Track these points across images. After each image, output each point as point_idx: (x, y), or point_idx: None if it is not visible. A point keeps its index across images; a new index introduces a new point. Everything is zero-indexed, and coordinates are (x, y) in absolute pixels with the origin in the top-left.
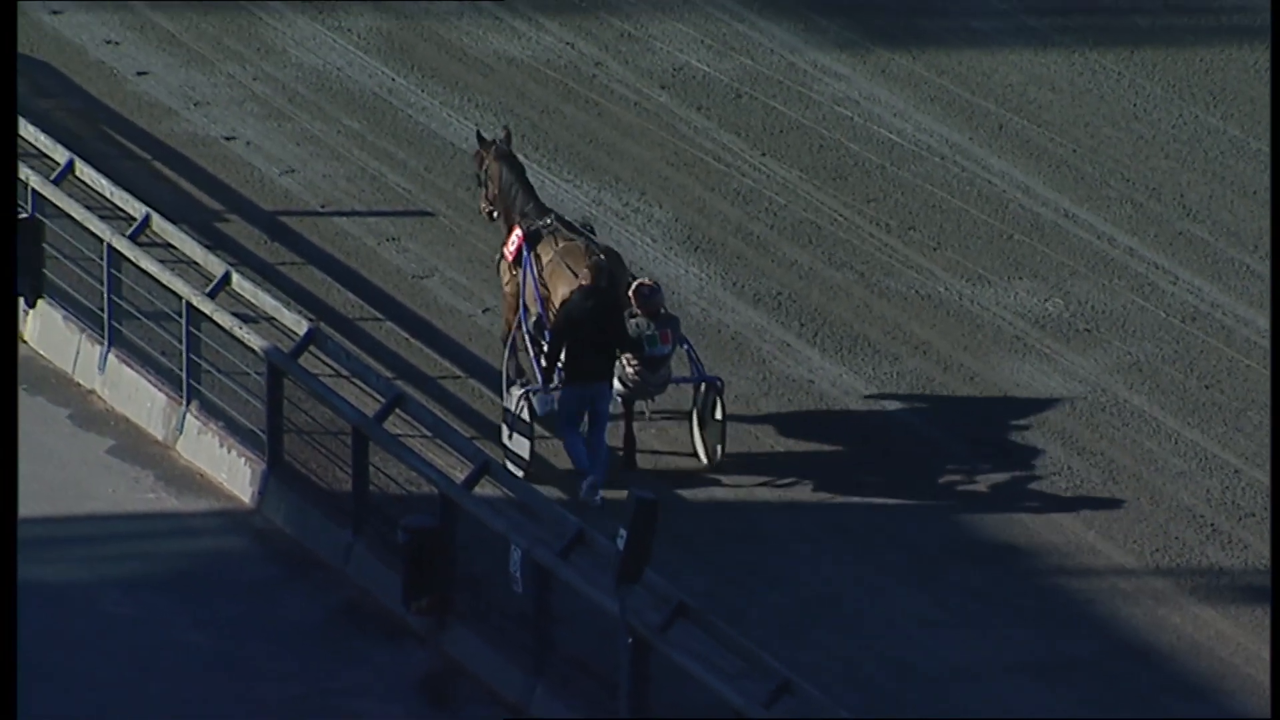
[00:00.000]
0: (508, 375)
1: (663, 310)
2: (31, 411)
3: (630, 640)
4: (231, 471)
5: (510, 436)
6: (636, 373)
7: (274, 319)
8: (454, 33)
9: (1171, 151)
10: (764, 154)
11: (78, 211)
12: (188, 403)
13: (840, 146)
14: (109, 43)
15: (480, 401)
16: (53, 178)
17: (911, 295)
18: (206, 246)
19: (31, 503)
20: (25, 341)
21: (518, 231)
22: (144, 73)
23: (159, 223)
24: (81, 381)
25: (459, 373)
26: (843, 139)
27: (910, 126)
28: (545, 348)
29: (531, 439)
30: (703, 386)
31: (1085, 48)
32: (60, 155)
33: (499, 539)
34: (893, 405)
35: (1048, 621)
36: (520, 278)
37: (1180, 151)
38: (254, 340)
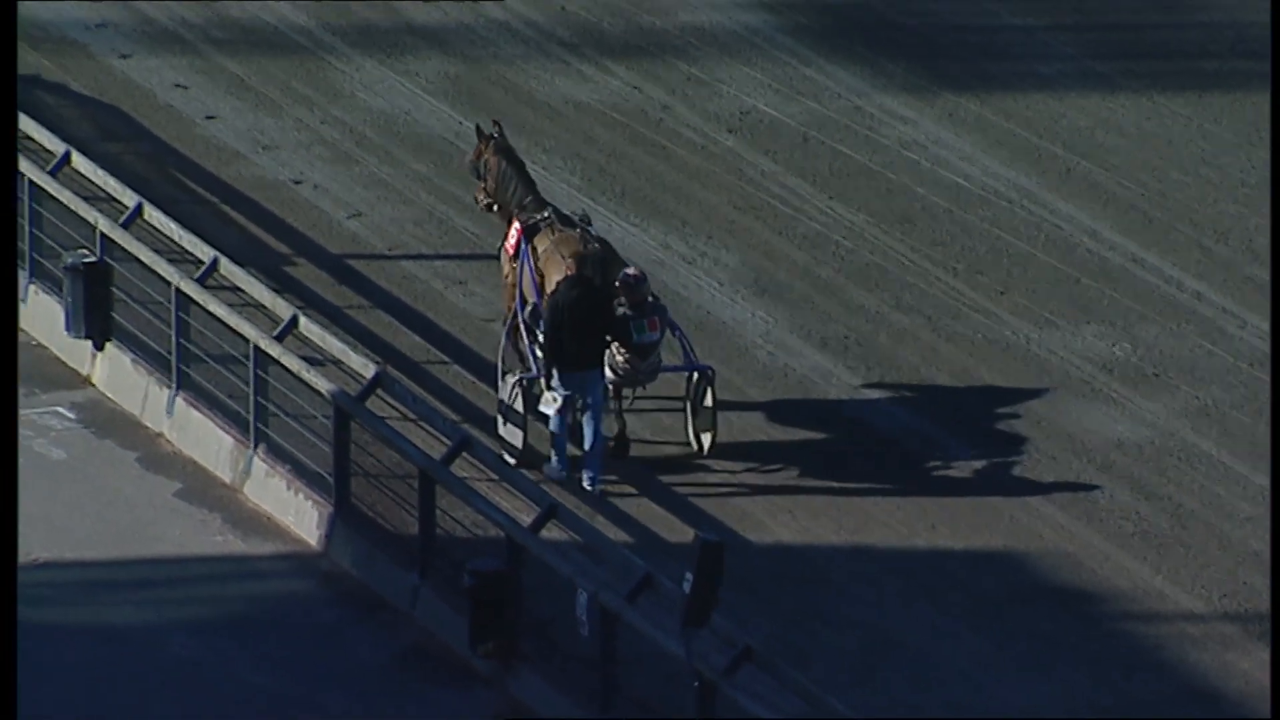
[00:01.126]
0: (503, 363)
1: (651, 298)
2: (100, 454)
3: (697, 684)
4: (298, 514)
5: (504, 425)
6: (626, 360)
7: (341, 362)
8: (521, 76)
9: (1239, 196)
10: (831, 198)
11: (146, 255)
12: (255, 446)
13: (907, 190)
14: (178, 87)
15: (546, 445)
16: (121, 221)
17: (979, 339)
18: (274, 290)
19: (99, 545)
20: (93, 384)
21: (516, 224)
22: (212, 117)
23: (227, 266)
24: (150, 424)
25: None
26: (910, 183)
27: (977, 170)
28: (539, 337)
29: (524, 428)
30: (694, 375)
31: (1153, 92)
32: (129, 199)
33: (565, 582)
34: (960, 449)
35: (1113, 666)
36: (518, 269)
37: (1248, 196)
38: (321, 383)
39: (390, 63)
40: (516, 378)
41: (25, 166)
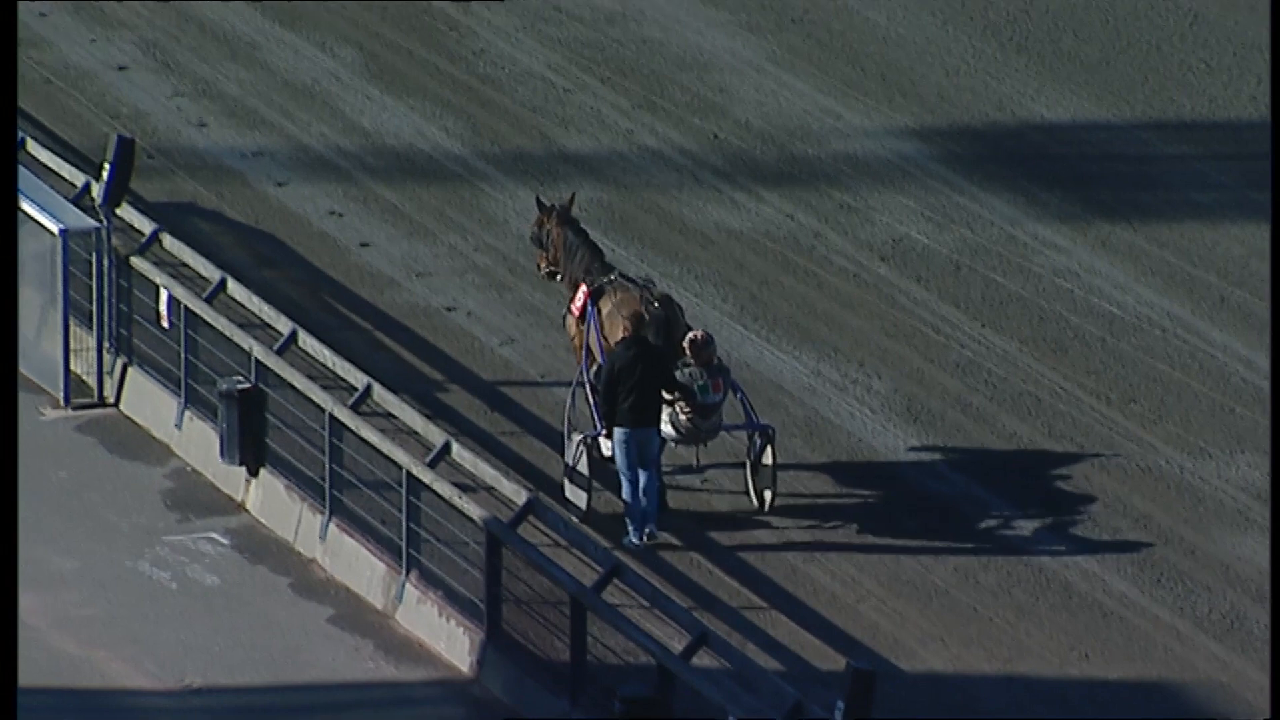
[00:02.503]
0: (568, 425)
1: (715, 360)
2: (253, 580)
3: None
4: (450, 641)
5: (569, 486)
6: (689, 419)
7: (493, 489)
8: (674, 204)
9: None
10: (984, 326)
11: (300, 381)
12: (407, 572)
13: (1060, 319)
14: (332, 214)
15: (698, 571)
16: (275, 348)
17: (1132, 468)
18: (426, 416)
19: (252, 671)
20: (247, 510)
21: (583, 288)
22: (366, 244)
23: (380, 392)
24: (302, 550)
25: (677, 543)
26: (1063, 311)
27: (1131, 299)
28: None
29: (589, 490)
30: (755, 433)
31: None
32: (283, 325)
33: (717, 709)
34: (1114, 579)
35: None
36: (585, 331)
37: None
38: (473, 510)
39: (543, 190)
40: (581, 437)
41: (181, 293)
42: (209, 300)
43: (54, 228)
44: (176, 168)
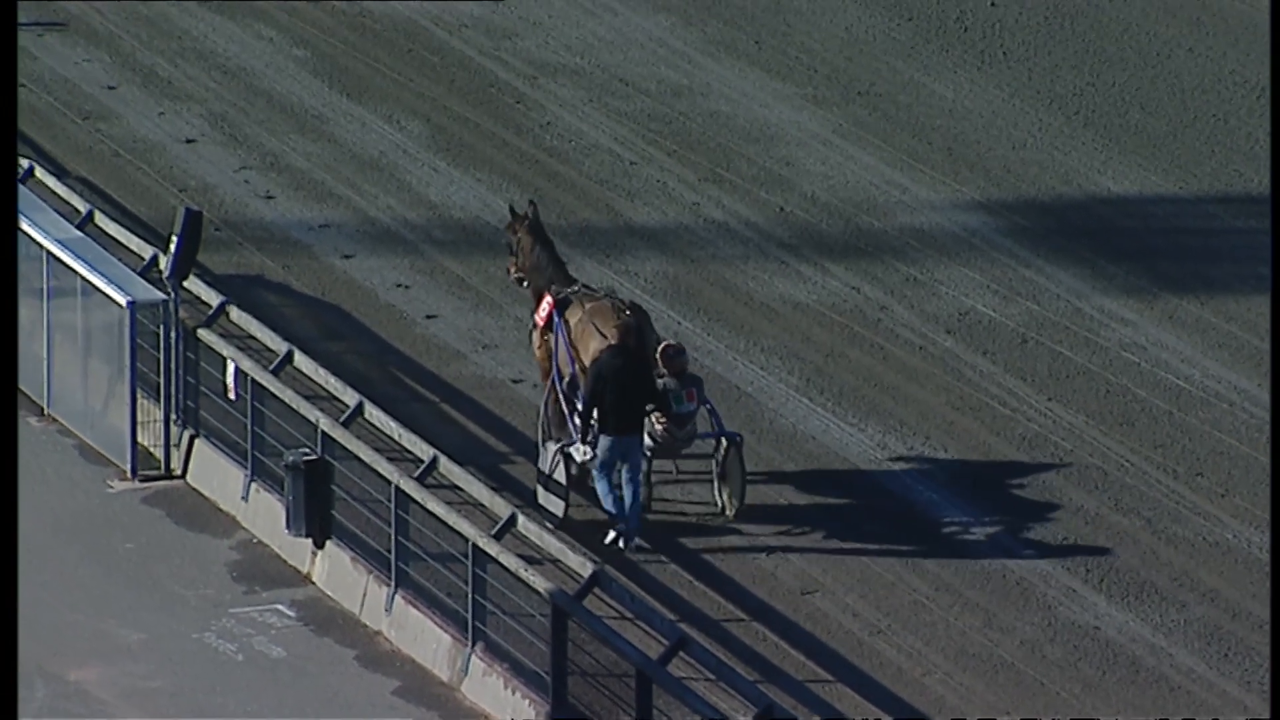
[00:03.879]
0: (542, 434)
1: (687, 371)
2: (319, 652)
3: None
4: (516, 713)
5: (544, 494)
6: (665, 429)
7: (559, 561)
8: (740, 277)
9: None
10: (1050, 399)
11: (366, 453)
12: (473, 644)
13: (1127, 392)
14: (399, 286)
15: (764, 644)
16: (342, 420)
17: (1199, 542)
18: (493, 488)
19: None
20: (313, 582)
21: (548, 299)
22: (433, 316)
23: (446, 465)
24: (368, 622)
25: (742, 615)
26: (1130, 385)
27: (1198, 373)
28: (579, 405)
29: (566, 499)
30: (723, 441)
31: None
32: (349, 398)
33: None
34: (1181, 653)
35: None
36: (552, 342)
37: None
38: (539, 582)
39: (610, 262)
40: (557, 447)
41: (248, 365)
42: (275, 372)
43: (122, 300)
44: (244, 240)
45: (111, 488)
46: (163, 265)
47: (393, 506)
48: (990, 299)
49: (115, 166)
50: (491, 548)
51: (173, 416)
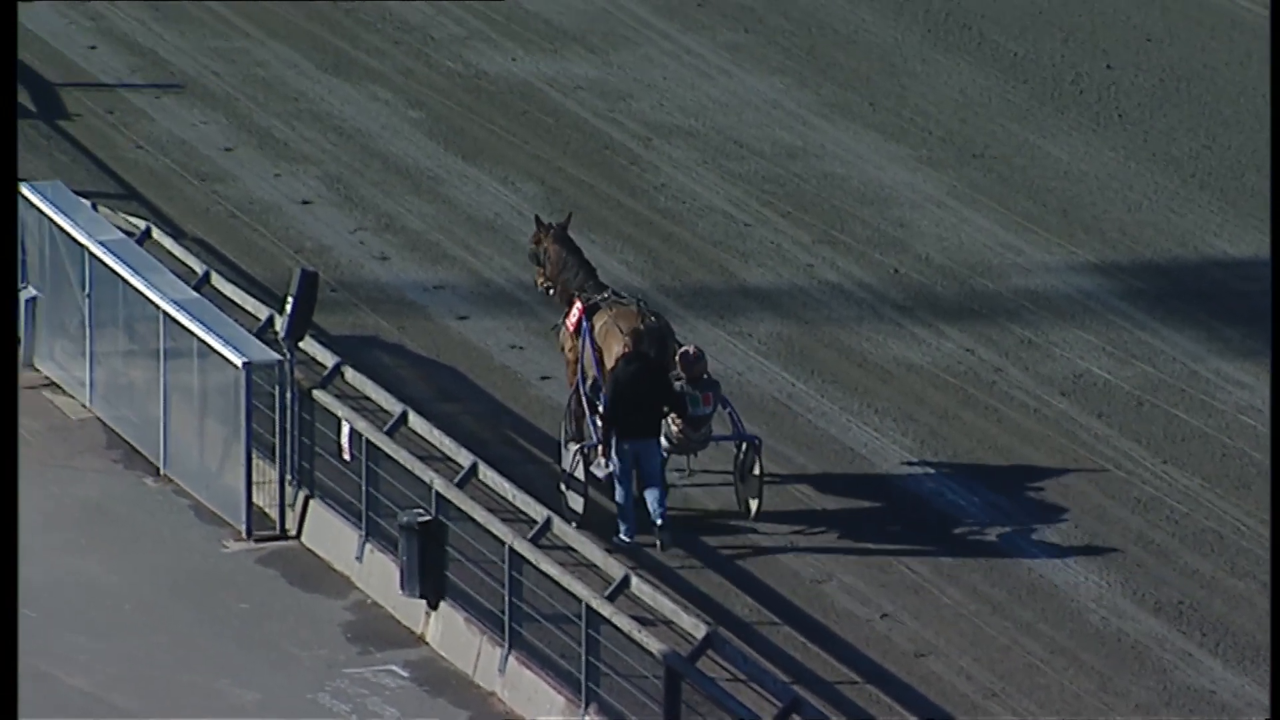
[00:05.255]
0: (566, 435)
1: (705, 375)
2: (433, 713)
3: None
4: None
5: (566, 492)
6: (681, 431)
7: (672, 622)
8: (854, 338)
9: None
10: (1165, 462)
11: (480, 514)
12: (586, 705)
13: (1244, 455)
14: (514, 348)
15: (877, 706)
16: (456, 481)
17: None
18: (606, 550)
19: None
20: (427, 643)
21: (578, 304)
22: (547, 377)
23: (560, 526)
24: (482, 683)
25: (856, 678)
26: (1246, 448)
27: None
28: (600, 409)
29: (585, 495)
30: (743, 444)
31: None
32: (464, 459)
33: None
34: None
35: None
36: (580, 346)
37: None
38: (652, 643)
39: (723, 324)
40: (578, 447)
41: (363, 426)
42: (390, 433)
43: (238, 361)
44: (359, 301)
45: (226, 548)
46: (278, 326)
47: (507, 567)
48: (1105, 361)
49: (231, 228)
50: (605, 609)
51: (288, 477)
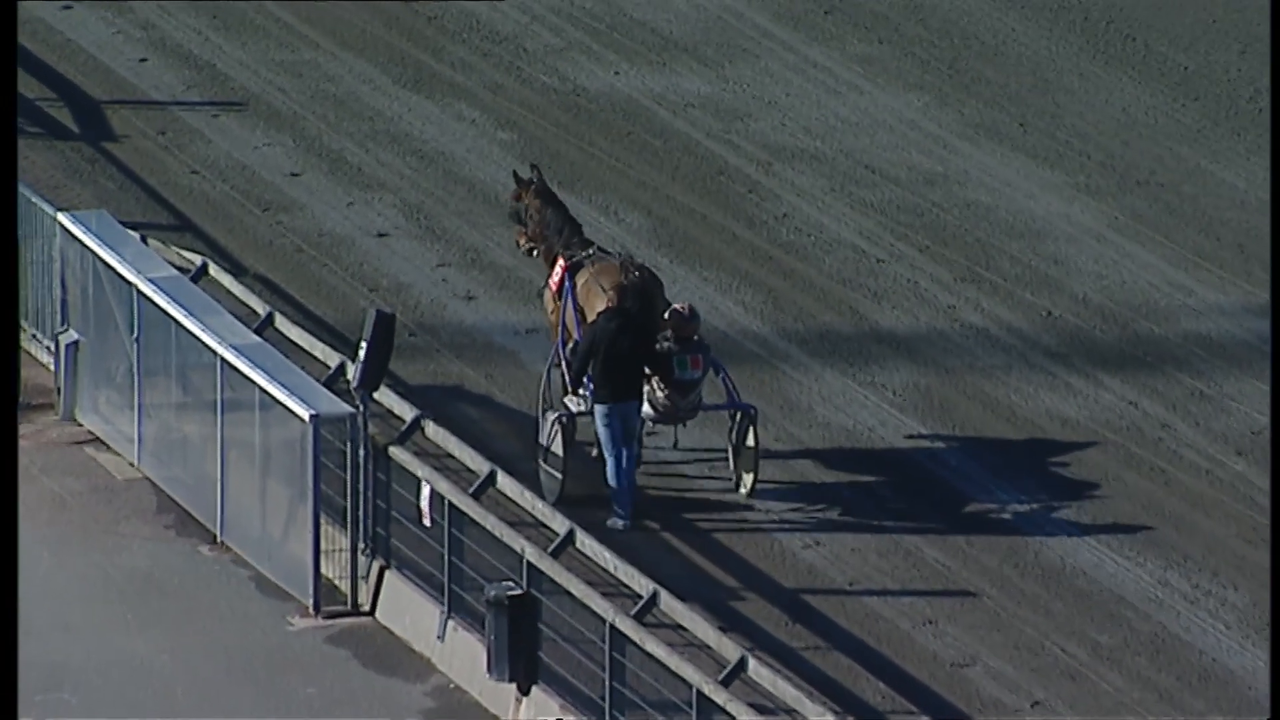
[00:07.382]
0: (543, 400)
1: (696, 336)
2: None
3: None
4: None
5: (543, 464)
6: (666, 396)
7: (795, 711)
8: (1000, 389)
9: None
10: None
11: (577, 588)
12: None
13: None
14: None
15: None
16: (550, 549)
17: None
18: (719, 628)
19: None
20: None
21: (561, 262)
22: (651, 433)
23: (667, 601)
24: None
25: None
26: None
27: None
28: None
29: (564, 470)
30: (737, 415)
31: None
32: (559, 525)
33: None
34: None
35: None
36: (563, 305)
37: None
38: None
39: (853, 373)
40: (556, 415)
41: (445, 488)
42: (476, 495)
43: (304, 413)
44: (441, 346)
45: (292, 625)
46: (350, 374)
47: (607, 648)
48: None
49: (298, 263)
50: (719, 695)
51: (360, 545)
